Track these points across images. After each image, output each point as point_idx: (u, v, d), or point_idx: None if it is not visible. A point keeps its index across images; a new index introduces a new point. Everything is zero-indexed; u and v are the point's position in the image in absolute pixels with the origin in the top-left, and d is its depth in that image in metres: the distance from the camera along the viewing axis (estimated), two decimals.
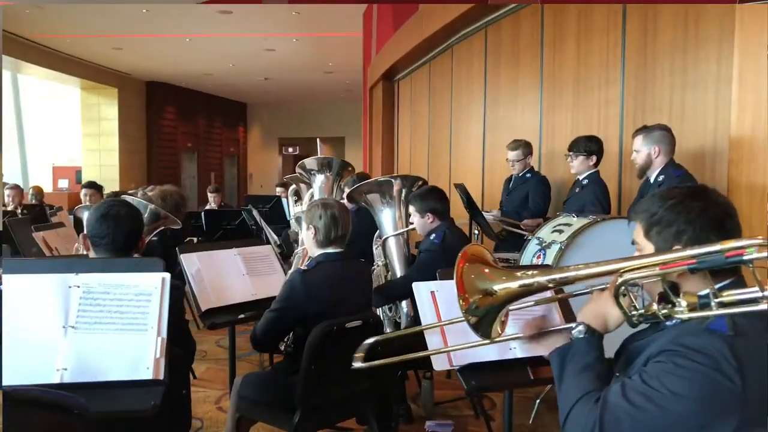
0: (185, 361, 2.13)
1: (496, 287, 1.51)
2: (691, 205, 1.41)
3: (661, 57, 4.03)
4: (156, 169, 16.14)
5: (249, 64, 14.23)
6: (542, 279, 1.49)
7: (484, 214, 4.42)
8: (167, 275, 1.77)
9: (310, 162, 4.71)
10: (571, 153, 3.96)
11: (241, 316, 2.83)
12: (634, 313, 1.42)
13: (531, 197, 4.48)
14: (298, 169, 4.72)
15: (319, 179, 4.71)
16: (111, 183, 13.34)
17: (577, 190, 4.01)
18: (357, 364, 1.77)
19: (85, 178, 14.42)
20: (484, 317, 1.53)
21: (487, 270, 1.53)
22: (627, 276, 1.38)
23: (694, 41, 3.79)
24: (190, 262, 2.84)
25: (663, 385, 1.26)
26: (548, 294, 1.68)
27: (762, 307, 1.27)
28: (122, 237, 2.05)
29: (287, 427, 2.42)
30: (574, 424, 1.32)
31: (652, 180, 3.39)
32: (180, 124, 17.15)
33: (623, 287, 1.40)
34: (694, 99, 3.79)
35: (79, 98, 14.94)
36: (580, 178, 3.98)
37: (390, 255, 3.56)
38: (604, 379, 1.38)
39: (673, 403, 1.24)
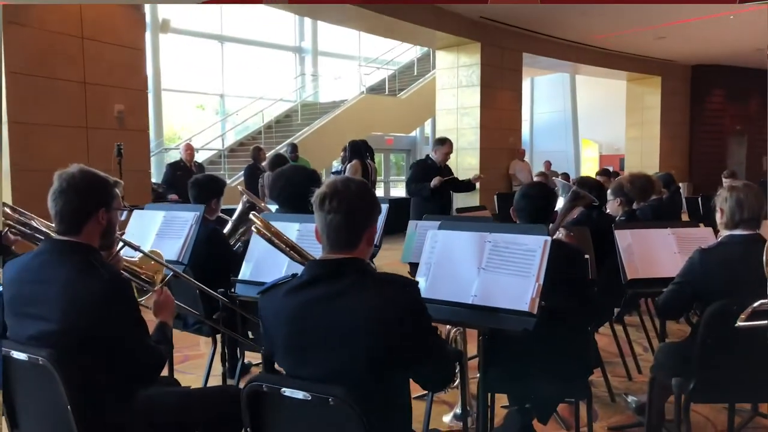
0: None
1: None
2: None
3: None
4: (697, 154, 15.83)
5: None
6: None
7: None
8: (549, 238, 2.34)
9: None
10: None
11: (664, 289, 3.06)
12: None
13: None
14: None
15: None
16: (651, 170, 13.85)
17: None
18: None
19: (627, 165, 15.45)
20: None
21: None
22: None
23: None
24: (624, 236, 3.28)
25: None
26: None
27: None
28: None
29: (684, 390, 2.63)
30: None
31: None
32: (728, 106, 16.22)
33: None
34: None
35: (625, 90, 15.95)
36: None
37: None
38: None
39: None
